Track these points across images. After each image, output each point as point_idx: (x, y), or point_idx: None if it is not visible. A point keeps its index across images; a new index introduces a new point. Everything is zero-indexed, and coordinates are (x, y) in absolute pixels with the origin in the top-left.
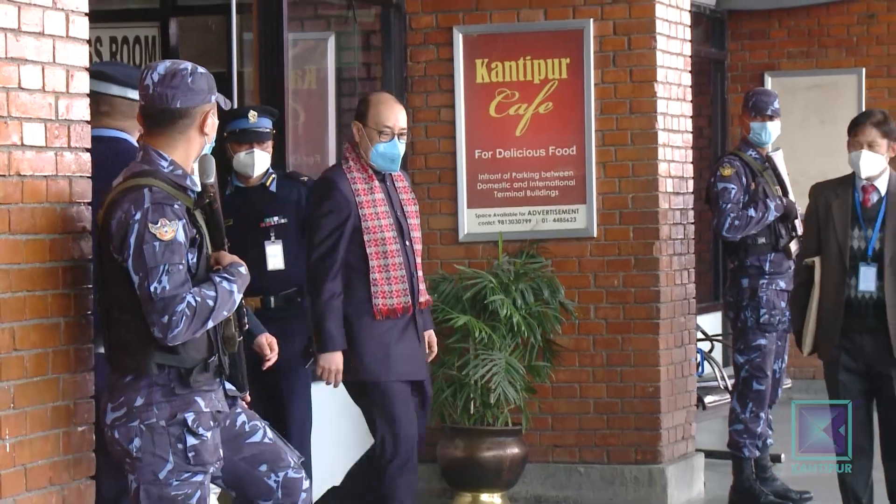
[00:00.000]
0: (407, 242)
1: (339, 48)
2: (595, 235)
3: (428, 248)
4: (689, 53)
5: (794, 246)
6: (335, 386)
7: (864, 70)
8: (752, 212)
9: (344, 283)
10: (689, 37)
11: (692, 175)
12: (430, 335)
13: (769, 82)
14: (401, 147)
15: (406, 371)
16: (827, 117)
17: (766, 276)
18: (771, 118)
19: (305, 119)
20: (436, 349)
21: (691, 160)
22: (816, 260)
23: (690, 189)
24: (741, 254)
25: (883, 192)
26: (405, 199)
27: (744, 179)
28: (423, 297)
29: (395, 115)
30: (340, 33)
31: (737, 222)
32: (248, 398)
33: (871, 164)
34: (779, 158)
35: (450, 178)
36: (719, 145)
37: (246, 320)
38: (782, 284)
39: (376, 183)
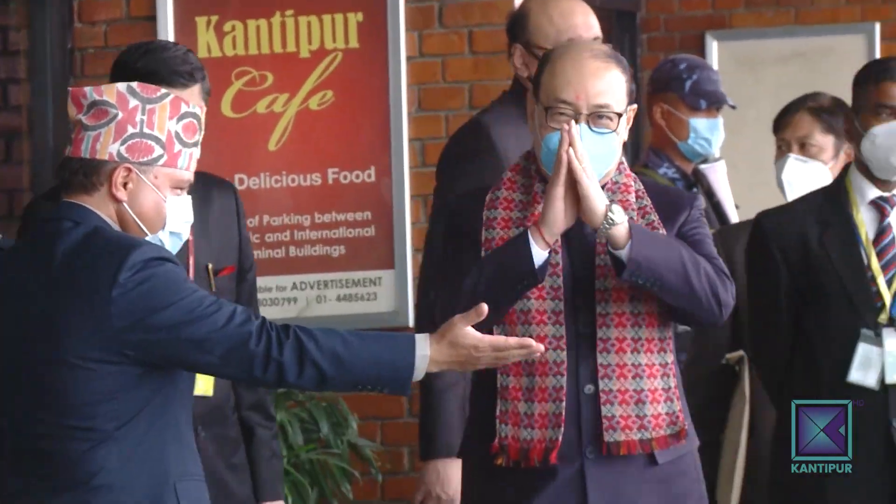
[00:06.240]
0: None
1: None
2: (412, 324)
3: None
4: None
5: None
6: None
7: (877, 26)
8: None
9: None
10: None
11: None
12: None
13: (713, 49)
14: None
15: None
16: None
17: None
18: (720, 109)
19: None
20: None
21: None
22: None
23: None
24: None
25: None
26: None
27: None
28: None
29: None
30: None
31: None
32: None
33: (802, 177)
34: (718, 175)
35: None
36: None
37: None
38: None
39: None
